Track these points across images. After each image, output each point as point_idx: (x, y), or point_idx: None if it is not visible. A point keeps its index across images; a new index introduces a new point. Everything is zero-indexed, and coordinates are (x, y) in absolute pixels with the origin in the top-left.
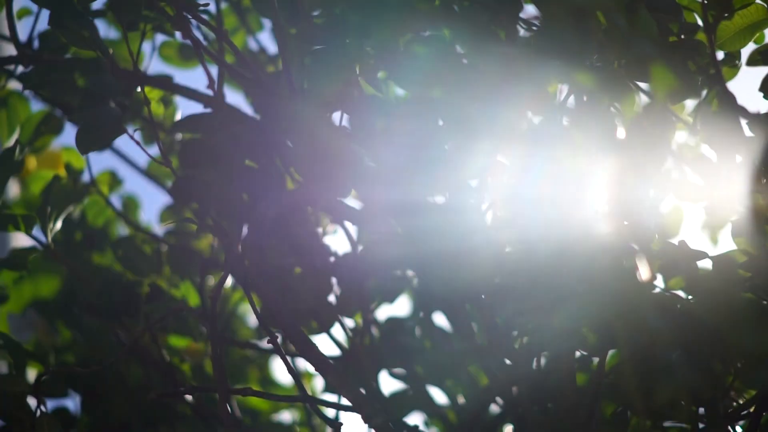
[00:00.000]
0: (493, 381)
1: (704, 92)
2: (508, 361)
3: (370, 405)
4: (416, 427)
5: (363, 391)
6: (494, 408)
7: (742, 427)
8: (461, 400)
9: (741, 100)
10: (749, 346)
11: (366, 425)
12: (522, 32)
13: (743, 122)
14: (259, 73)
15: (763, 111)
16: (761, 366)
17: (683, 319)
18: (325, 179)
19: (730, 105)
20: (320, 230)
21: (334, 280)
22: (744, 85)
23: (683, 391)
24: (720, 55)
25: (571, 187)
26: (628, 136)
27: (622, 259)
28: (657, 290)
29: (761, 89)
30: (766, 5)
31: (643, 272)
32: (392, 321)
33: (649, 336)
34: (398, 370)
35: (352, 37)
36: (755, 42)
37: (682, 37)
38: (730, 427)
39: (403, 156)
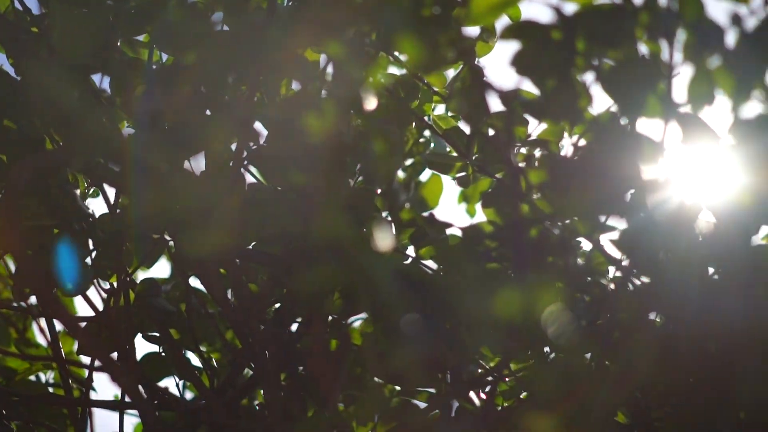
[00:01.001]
0: (246, 345)
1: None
2: (261, 326)
3: (120, 367)
4: (166, 389)
5: (117, 353)
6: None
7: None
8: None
9: (496, 75)
10: (484, 313)
11: (115, 386)
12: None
13: (491, 96)
14: (20, 34)
15: (509, 87)
16: (494, 333)
17: (428, 287)
18: (83, 142)
19: (478, 79)
20: (78, 192)
21: (90, 241)
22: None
23: (419, 357)
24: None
25: (326, 153)
26: (379, 106)
27: (366, 227)
28: (407, 259)
29: (512, 64)
30: None
31: (386, 240)
32: (148, 283)
33: (387, 302)
34: (153, 334)
35: None
36: (512, 17)
37: (437, 10)
38: (473, 393)
39: (162, 119)
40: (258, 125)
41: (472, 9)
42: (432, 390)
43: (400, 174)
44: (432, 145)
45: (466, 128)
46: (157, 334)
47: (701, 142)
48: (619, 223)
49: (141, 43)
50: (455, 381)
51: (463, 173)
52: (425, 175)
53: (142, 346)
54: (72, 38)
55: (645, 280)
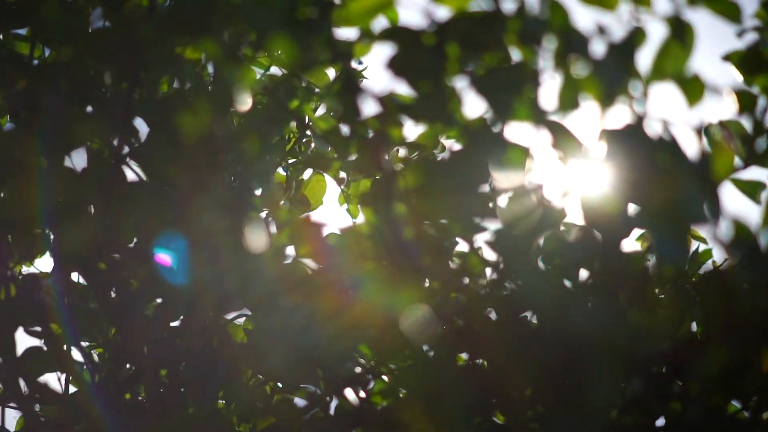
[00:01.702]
0: (127, 341)
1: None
2: (142, 322)
3: (1, 361)
4: (46, 384)
5: None
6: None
7: None
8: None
9: (379, 76)
10: (362, 312)
11: None
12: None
13: (369, 98)
14: None
15: (385, 89)
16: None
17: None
18: None
19: (350, 81)
20: None
21: None
22: None
23: (296, 355)
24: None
25: (203, 152)
26: (257, 105)
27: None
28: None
29: (388, 67)
30: None
31: (260, 239)
32: (29, 278)
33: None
34: (34, 329)
35: None
36: (390, 20)
37: (313, 12)
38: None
39: (43, 115)
40: (138, 122)
41: (349, 12)
42: (311, 387)
43: (283, 173)
44: (313, 145)
45: (346, 129)
46: (39, 329)
47: (569, 147)
48: (493, 225)
49: (22, 37)
50: (333, 379)
51: (342, 174)
52: (310, 174)
53: (24, 341)
54: None
55: (519, 282)
